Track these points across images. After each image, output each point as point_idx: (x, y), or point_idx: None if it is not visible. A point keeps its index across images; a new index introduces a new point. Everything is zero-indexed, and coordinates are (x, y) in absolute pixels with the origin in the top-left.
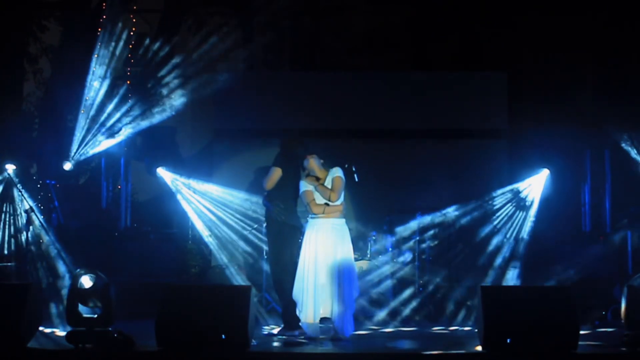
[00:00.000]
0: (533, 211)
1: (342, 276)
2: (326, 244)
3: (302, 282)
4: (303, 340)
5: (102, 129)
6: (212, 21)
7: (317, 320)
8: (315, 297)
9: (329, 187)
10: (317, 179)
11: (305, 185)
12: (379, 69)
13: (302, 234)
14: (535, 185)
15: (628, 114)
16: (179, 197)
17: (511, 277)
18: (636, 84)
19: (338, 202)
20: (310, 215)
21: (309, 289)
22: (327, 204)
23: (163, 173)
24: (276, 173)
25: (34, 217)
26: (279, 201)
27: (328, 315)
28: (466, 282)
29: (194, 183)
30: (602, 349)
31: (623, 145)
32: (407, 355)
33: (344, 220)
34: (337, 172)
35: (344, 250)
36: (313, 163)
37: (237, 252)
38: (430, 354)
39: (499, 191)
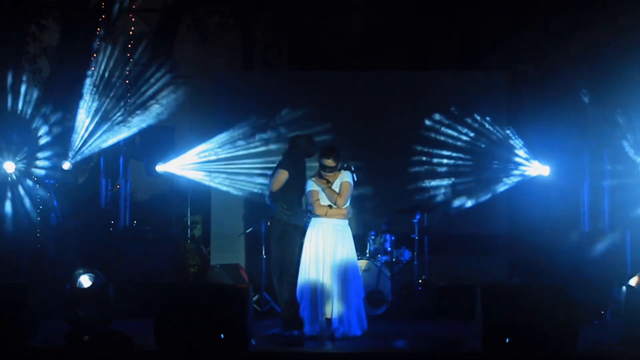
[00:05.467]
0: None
1: (342, 276)
2: (326, 244)
3: (304, 281)
4: (302, 340)
5: (100, 128)
6: (211, 21)
7: (319, 320)
8: (315, 296)
9: (337, 190)
10: (327, 181)
11: (312, 185)
12: (378, 69)
13: (305, 234)
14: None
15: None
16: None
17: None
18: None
19: (344, 207)
20: (313, 214)
21: (310, 288)
22: (330, 207)
23: (164, 168)
24: (282, 175)
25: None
26: (283, 202)
27: (328, 316)
28: (467, 281)
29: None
30: (600, 349)
31: (622, 144)
32: (406, 355)
33: (346, 222)
34: (346, 176)
35: (346, 251)
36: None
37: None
38: (429, 353)
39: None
